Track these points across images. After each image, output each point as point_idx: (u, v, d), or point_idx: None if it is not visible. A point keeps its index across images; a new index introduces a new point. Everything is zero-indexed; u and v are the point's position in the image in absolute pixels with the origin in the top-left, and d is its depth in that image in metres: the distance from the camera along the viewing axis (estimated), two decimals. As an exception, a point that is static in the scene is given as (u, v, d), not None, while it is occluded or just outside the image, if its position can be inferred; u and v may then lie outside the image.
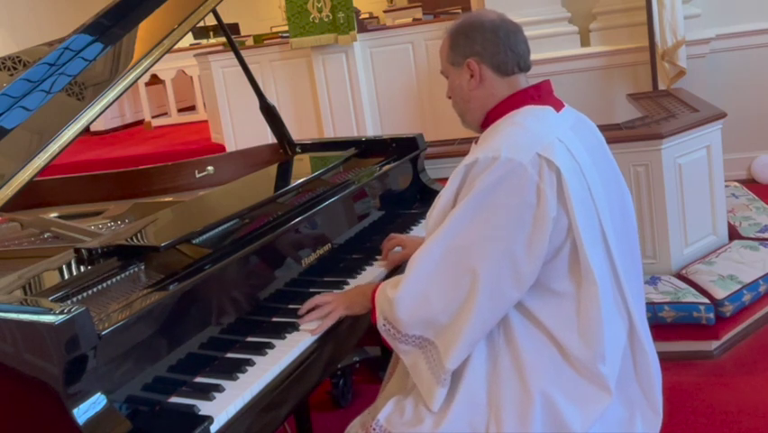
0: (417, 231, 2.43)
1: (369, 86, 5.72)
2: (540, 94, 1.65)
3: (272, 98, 3.54)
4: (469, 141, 1.74)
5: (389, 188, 2.62)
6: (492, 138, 1.59)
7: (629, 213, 1.71)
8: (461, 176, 1.57)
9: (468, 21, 1.68)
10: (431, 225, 1.62)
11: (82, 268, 1.71)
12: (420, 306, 1.56)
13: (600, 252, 1.55)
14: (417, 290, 1.56)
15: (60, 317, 1.27)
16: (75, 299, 1.55)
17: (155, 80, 8.91)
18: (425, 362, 1.59)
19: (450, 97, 1.74)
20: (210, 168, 2.72)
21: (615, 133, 3.33)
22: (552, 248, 1.51)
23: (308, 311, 1.81)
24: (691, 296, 2.98)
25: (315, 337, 1.75)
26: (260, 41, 7.24)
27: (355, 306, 1.79)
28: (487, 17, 1.67)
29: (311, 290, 1.97)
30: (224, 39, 5.64)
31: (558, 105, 1.66)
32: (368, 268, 2.14)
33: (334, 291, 1.96)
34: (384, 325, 1.63)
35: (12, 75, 2.01)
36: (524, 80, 1.68)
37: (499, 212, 1.50)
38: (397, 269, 2.15)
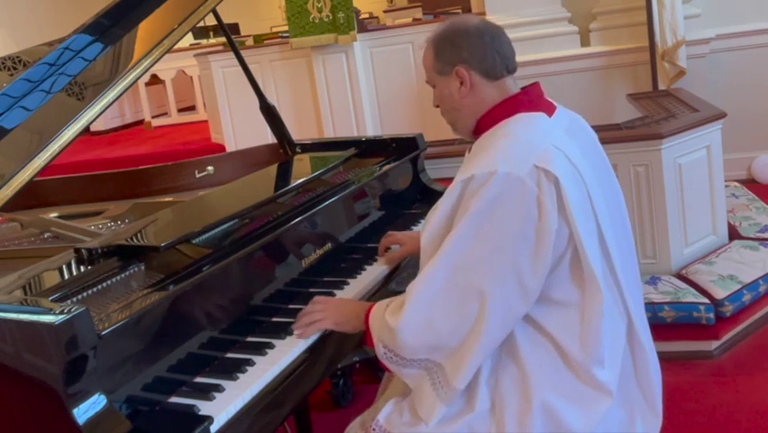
0: (418, 230, 2.42)
1: (369, 86, 5.72)
2: (531, 98, 1.62)
3: (272, 98, 3.53)
4: (468, 141, 1.73)
5: (389, 188, 2.62)
6: (487, 151, 1.55)
7: (624, 211, 1.71)
8: (457, 192, 1.53)
9: (451, 28, 1.64)
10: (425, 240, 1.59)
11: (82, 268, 1.71)
12: (425, 332, 1.52)
13: (599, 256, 1.54)
14: (421, 318, 1.52)
15: (60, 317, 1.27)
16: (75, 299, 1.54)
17: (155, 80, 8.90)
18: (429, 383, 1.56)
19: (437, 106, 1.71)
20: (210, 168, 2.72)
21: (615, 134, 3.33)
22: (553, 258, 1.49)
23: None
24: (691, 296, 2.98)
25: (315, 337, 1.74)
26: (260, 41, 7.24)
27: (345, 325, 1.73)
28: (470, 22, 1.64)
29: (311, 290, 1.97)
30: (224, 39, 5.64)
31: (550, 109, 1.63)
32: (368, 268, 2.14)
33: (333, 296, 1.94)
34: (385, 353, 1.59)
35: (12, 75, 2.01)
36: (512, 83, 1.65)
37: (502, 228, 1.47)
38: (397, 268, 2.15)
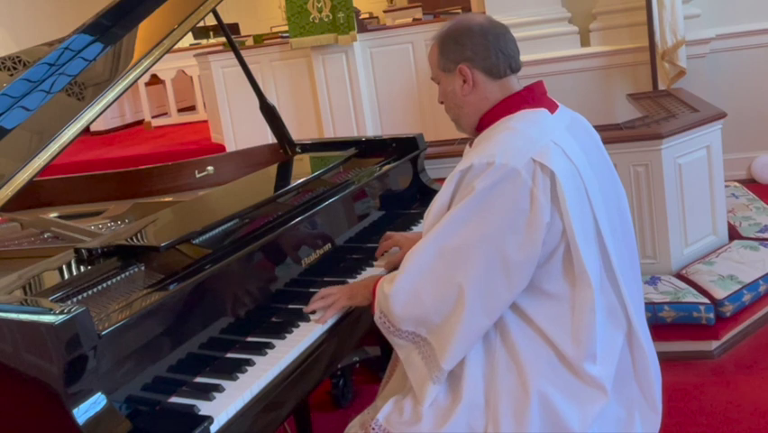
0: (417, 231, 2.42)
1: (369, 86, 5.72)
2: (533, 96, 1.65)
3: (272, 98, 3.53)
4: (471, 138, 1.74)
5: (389, 188, 2.62)
6: (487, 143, 1.59)
7: (626, 212, 1.71)
8: (455, 181, 1.57)
9: (456, 26, 1.67)
10: (426, 229, 1.63)
11: (82, 268, 1.71)
12: (412, 303, 1.59)
13: (596, 253, 1.56)
14: (410, 288, 1.59)
15: (60, 317, 1.27)
16: (75, 299, 1.55)
17: (155, 80, 8.90)
18: (419, 356, 1.61)
19: (442, 103, 1.74)
20: (210, 168, 2.72)
21: (615, 133, 3.33)
22: (546, 251, 1.52)
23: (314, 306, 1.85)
24: (691, 296, 2.98)
25: (315, 337, 1.75)
26: (260, 41, 7.24)
27: (357, 297, 1.82)
28: (475, 21, 1.66)
29: (311, 289, 1.97)
30: (224, 39, 5.64)
31: (552, 107, 1.66)
32: (368, 268, 2.14)
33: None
34: (380, 318, 1.66)
35: (12, 75, 2.01)
36: (515, 82, 1.67)
37: (492, 217, 1.50)
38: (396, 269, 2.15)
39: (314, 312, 1.84)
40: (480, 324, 1.55)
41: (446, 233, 1.55)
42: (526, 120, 1.60)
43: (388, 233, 2.21)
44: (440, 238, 1.56)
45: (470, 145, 1.70)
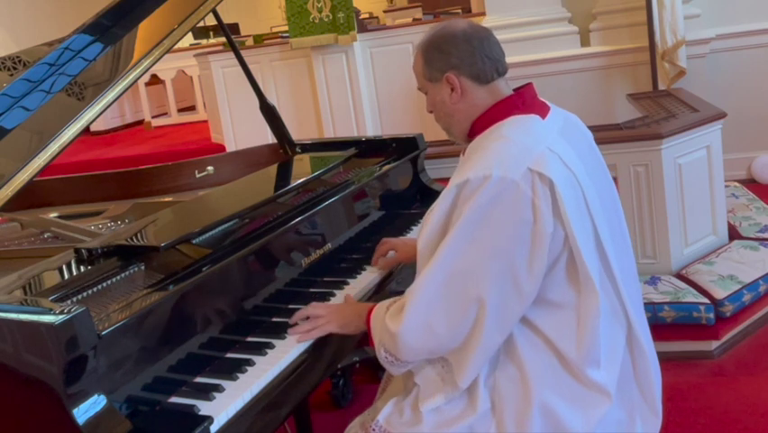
0: (417, 231, 2.42)
1: (369, 86, 5.72)
2: (524, 100, 1.62)
3: (272, 98, 3.53)
4: (463, 145, 1.71)
5: (389, 188, 2.62)
6: (482, 154, 1.54)
7: (620, 212, 1.70)
8: (452, 196, 1.53)
9: (439, 34, 1.63)
10: (422, 244, 1.59)
11: (82, 268, 1.71)
12: (425, 338, 1.53)
13: (596, 258, 1.54)
14: (421, 322, 1.53)
15: (60, 317, 1.27)
16: (75, 299, 1.55)
17: (155, 80, 8.91)
18: (434, 371, 1.59)
19: (431, 112, 1.70)
20: (210, 168, 2.72)
21: (615, 133, 3.34)
22: (549, 260, 1.49)
23: (300, 320, 1.79)
24: (691, 296, 2.98)
25: (315, 337, 1.74)
26: (260, 41, 7.24)
27: (349, 326, 1.75)
28: (457, 27, 1.63)
29: (311, 289, 1.97)
30: (224, 39, 5.64)
31: (543, 110, 1.62)
32: (367, 268, 2.14)
33: (333, 296, 1.96)
34: (386, 357, 1.61)
35: (12, 75, 2.02)
36: (504, 85, 1.64)
37: (497, 232, 1.47)
38: (391, 274, 2.15)
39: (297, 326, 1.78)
40: (496, 342, 1.52)
41: (451, 256, 1.50)
42: (519, 127, 1.57)
43: (385, 239, 2.18)
44: (446, 263, 1.50)
45: (464, 153, 1.66)
